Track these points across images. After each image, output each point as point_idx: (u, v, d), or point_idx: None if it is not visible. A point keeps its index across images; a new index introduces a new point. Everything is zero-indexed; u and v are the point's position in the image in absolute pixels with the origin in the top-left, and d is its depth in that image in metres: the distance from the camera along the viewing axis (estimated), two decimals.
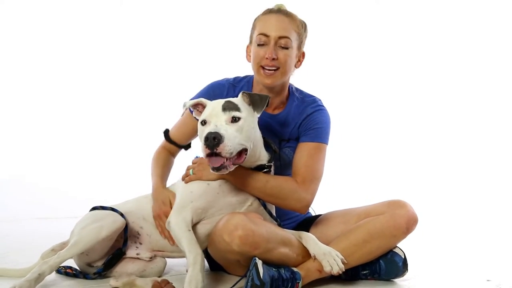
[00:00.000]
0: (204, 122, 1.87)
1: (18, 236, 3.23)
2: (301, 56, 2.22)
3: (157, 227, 2.06)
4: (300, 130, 2.18)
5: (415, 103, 5.15)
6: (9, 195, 4.11)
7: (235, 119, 1.83)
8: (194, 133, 2.24)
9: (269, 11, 2.15)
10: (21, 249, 2.73)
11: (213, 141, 1.73)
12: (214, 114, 1.85)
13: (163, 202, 2.05)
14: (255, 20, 2.18)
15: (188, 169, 2.06)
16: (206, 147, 1.75)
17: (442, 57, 5.08)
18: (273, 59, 2.06)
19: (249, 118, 1.89)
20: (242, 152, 1.86)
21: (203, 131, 1.84)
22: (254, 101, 1.92)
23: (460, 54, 5.05)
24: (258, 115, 1.95)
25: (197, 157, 2.27)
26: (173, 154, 2.30)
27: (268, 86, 2.12)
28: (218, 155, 1.76)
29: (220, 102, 1.89)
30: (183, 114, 2.15)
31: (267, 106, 1.95)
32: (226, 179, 1.98)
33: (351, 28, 5.05)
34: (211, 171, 1.81)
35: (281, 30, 2.07)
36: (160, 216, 2.03)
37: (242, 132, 1.83)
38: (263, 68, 2.09)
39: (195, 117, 2.02)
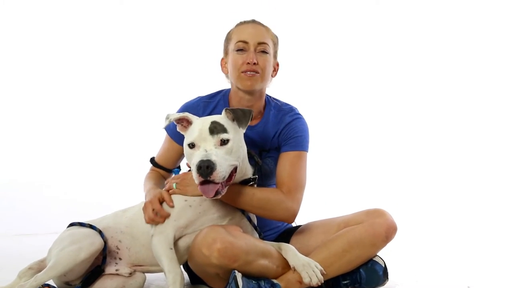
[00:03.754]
0: (192, 145, 1.86)
1: None
2: (276, 65, 2.26)
3: (144, 218, 1.97)
4: (280, 139, 2.20)
5: (405, 109, 5.07)
6: None
7: (223, 142, 1.83)
8: (179, 157, 2.28)
9: (244, 22, 2.22)
10: None
11: (207, 170, 1.73)
12: (203, 138, 1.83)
13: (154, 195, 2.00)
14: (229, 33, 2.23)
15: (170, 182, 2.04)
16: (199, 175, 1.75)
17: (440, 59, 5.02)
18: (254, 63, 2.10)
19: (237, 137, 1.89)
20: (232, 171, 1.87)
21: (191, 154, 1.84)
22: (238, 117, 1.91)
23: (459, 56, 5.01)
24: (244, 131, 1.95)
25: (178, 171, 2.26)
26: (163, 176, 2.30)
27: (249, 89, 2.13)
28: (210, 182, 1.76)
29: (207, 123, 1.86)
30: (165, 127, 2.12)
31: (250, 120, 1.95)
32: None
33: (351, 28, 5.03)
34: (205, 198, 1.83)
35: (260, 36, 2.14)
36: (147, 207, 1.97)
37: (232, 153, 1.84)
38: (243, 72, 2.12)
39: (179, 131, 1.99)
